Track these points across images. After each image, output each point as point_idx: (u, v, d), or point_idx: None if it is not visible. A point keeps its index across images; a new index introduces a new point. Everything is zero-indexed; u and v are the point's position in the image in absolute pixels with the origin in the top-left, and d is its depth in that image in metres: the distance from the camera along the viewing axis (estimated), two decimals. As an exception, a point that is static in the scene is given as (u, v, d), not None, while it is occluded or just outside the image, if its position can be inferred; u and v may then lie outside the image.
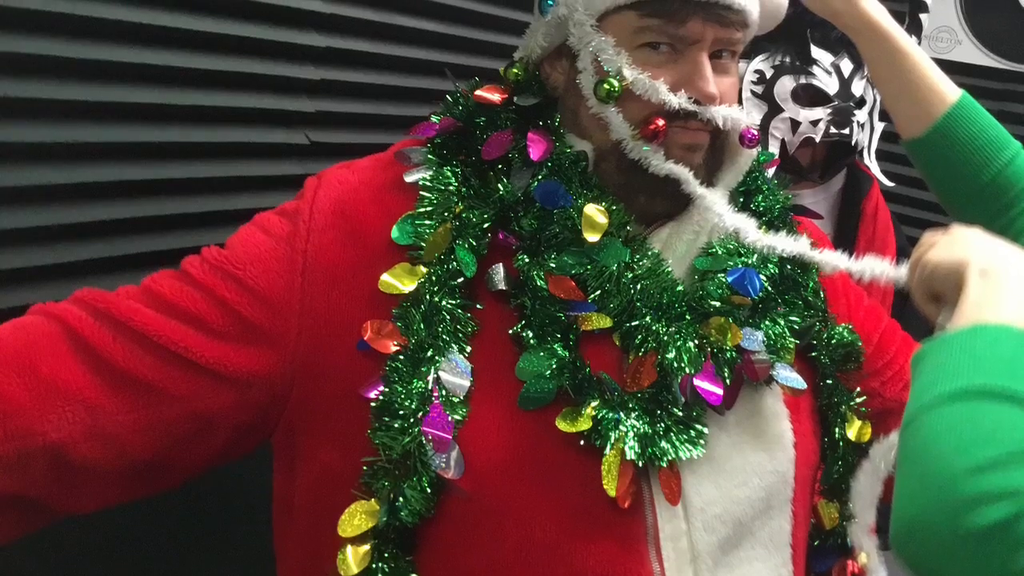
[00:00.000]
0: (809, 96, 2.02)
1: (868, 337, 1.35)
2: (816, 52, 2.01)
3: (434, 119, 1.23)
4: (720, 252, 1.20)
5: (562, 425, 1.07)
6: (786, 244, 1.17)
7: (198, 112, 1.56)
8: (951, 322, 0.98)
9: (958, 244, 1.06)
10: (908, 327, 1.45)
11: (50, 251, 1.32)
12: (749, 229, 1.16)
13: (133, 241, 1.43)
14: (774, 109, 2.01)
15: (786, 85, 2.01)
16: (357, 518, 1.06)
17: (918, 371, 0.95)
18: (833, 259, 1.16)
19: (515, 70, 1.25)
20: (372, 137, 1.83)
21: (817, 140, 2.02)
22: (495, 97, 1.22)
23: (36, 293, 1.27)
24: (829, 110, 2.00)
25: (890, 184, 2.23)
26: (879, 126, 2.15)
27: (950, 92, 1.41)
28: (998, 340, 0.92)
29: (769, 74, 2.02)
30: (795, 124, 2.00)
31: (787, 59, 2.02)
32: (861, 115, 2.05)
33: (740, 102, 1.68)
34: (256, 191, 1.63)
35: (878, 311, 1.43)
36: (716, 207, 1.16)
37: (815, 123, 2.00)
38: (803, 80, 2.00)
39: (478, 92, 1.22)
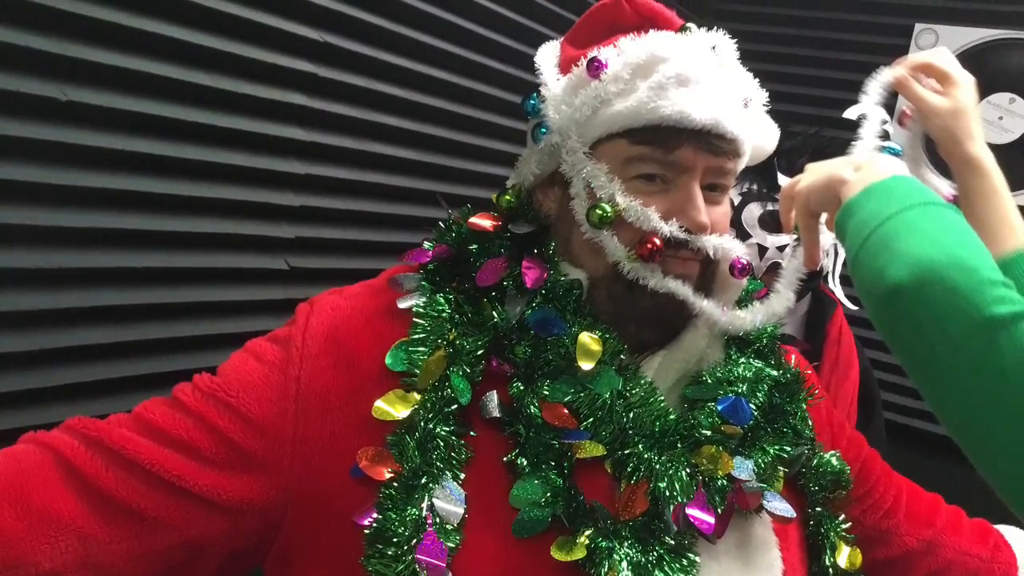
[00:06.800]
0: (776, 222, 2.04)
1: (850, 465, 1.35)
2: (783, 180, 2.04)
3: (427, 246, 1.23)
4: (710, 381, 1.22)
5: (557, 555, 1.06)
6: (771, 309, 1.25)
7: (179, 238, 1.57)
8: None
9: (820, 168, 1.15)
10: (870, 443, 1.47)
11: (34, 375, 1.31)
12: (745, 320, 1.21)
13: (121, 365, 1.43)
14: (742, 235, 2.03)
15: (753, 212, 2.04)
16: None
17: (848, 224, 1.05)
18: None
19: (507, 197, 1.26)
20: (351, 262, 1.85)
21: (783, 265, 2.04)
22: (488, 224, 1.23)
23: (18, 417, 1.26)
24: (795, 236, 2.03)
25: (854, 308, 2.26)
26: (843, 251, 2.19)
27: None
28: (903, 180, 1.06)
29: (737, 201, 2.05)
30: (762, 250, 2.03)
31: (754, 186, 2.06)
32: (826, 241, 2.08)
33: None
34: (239, 315, 1.63)
35: (860, 440, 1.45)
36: (713, 313, 1.19)
37: (781, 249, 2.03)
38: (770, 207, 2.03)
39: (472, 219, 1.23)
